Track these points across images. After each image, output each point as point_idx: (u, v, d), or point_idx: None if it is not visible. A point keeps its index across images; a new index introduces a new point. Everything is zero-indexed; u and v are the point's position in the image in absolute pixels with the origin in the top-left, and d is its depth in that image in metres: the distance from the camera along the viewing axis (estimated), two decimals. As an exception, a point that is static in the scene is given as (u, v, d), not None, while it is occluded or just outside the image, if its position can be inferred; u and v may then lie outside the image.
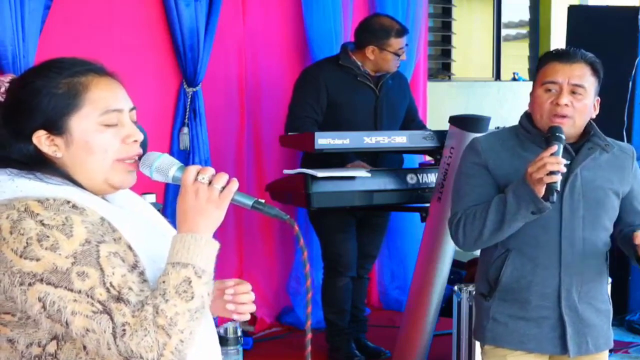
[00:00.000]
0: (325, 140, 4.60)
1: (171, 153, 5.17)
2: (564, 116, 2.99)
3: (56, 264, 1.78)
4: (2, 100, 1.99)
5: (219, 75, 5.60)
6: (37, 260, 1.78)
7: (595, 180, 3.06)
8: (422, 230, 4.90)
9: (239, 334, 4.27)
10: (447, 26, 8.03)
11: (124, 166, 1.95)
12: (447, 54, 8.10)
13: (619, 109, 5.92)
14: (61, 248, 1.79)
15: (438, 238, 4.73)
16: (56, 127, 1.91)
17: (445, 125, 4.81)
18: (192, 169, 1.91)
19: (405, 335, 4.94)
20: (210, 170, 1.91)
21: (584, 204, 3.04)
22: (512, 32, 9.01)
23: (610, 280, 3.26)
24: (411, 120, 5.44)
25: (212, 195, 1.88)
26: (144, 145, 2.02)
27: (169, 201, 5.24)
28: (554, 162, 2.82)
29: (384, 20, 5.23)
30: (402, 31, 5.17)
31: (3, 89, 2.04)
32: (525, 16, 8.92)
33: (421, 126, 5.46)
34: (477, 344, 4.16)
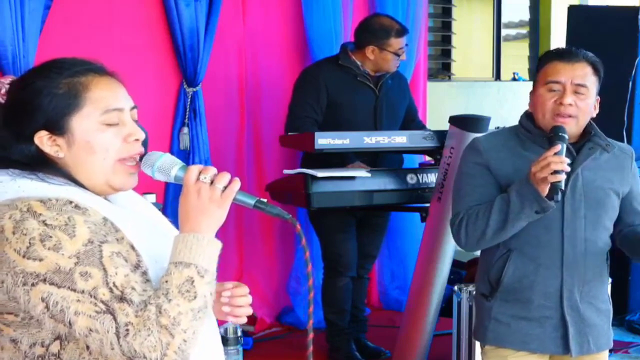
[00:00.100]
0: (325, 140, 4.60)
1: (171, 153, 5.14)
2: (568, 116, 3.00)
3: (59, 264, 1.78)
4: (3, 101, 1.99)
5: (219, 75, 5.60)
6: (40, 260, 1.78)
7: (596, 180, 3.07)
8: (422, 230, 4.90)
9: (239, 334, 4.26)
10: (447, 26, 8.03)
11: (126, 168, 1.95)
12: (447, 54, 8.10)
13: (619, 109, 5.92)
14: (64, 248, 1.79)
15: (438, 238, 4.73)
16: (57, 127, 1.91)
17: (445, 125, 4.81)
18: (194, 169, 1.91)
19: (405, 335, 4.94)
20: (212, 170, 1.91)
21: (585, 204, 3.04)
22: (512, 32, 9.01)
23: (610, 280, 3.26)
24: (411, 120, 5.45)
25: (214, 195, 1.88)
26: (144, 144, 2.02)
27: (169, 201, 5.24)
28: (558, 161, 2.83)
29: (384, 20, 5.23)
30: (402, 31, 5.17)
31: (3, 91, 2.04)
32: (525, 16, 8.92)
33: (421, 126, 5.46)
34: (477, 344, 4.16)
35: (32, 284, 1.78)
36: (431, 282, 4.78)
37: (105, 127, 1.92)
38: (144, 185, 2.12)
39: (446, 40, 8.06)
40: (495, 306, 3.11)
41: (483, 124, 4.64)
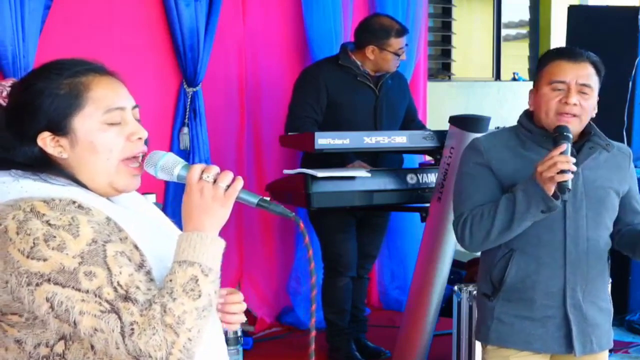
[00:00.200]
0: (325, 140, 4.60)
1: (171, 153, 5.16)
2: (572, 115, 3.00)
3: (63, 263, 1.78)
4: (4, 104, 2.00)
5: (219, 75, 5.60)
6: (44, 260, 1.78)
7: (597, 179, 3.07)
8: (422, 230, 4.90)
9: (239, 334, 4.27)
10: (447, 26, 8.03)
11: (129, 170, 1.95)
12: (447, 54, 8.10)
13: (619, 109, 5.92)
14: (68, 248, 1.79)
15: (438, 238, 4.73)
16: (60, 128, 1.91)
17: (445, 125, 4.80)
18: (197, 168, 1.91)
19: (405, 335, 4.94)
20: (215, 169, 1.91)
21: (587, 203, 3.05)
22: (512, 32, 9.02)
23: (610, 280, 3.27)
24: (411, 120, 5.45)
25: (217, 194, 1.88)
26: (144, 144, 2.02)
27: (169, 201, 5.25)
28: (565, 160, 2.84)
29: (384, 20, 5.23)
30: (402, 31, 5.17)
31: (5, 93, 2.04)
32: (525, 16, 8.93)
33: (421, 126, 5.46)
34: (477, 344, 4.16)
35: (37, 284, 1.78)
36: (431, 282, 4.78)
37: (107, 126, 1.92)
38: (144, 185, 2.12)
39: (446, 40, 8.06)
40: (498, 306, 3.11)
41: (483, 124, 4.64)
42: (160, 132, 5.29)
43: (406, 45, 5.21)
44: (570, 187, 2.84)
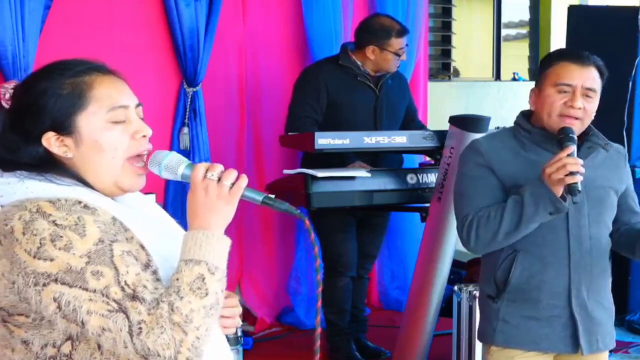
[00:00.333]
0: (325, 140, 4.60)
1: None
2: (575, 118, 3.02)
3: (70, 263, 1.78)
4: (8, 106, 2.00)
5: (219, 75, 5.60)
6: (51, 260, 1.78)
7: (596, 179, 3.08)
8: (422, 230, 4.90)
9: (239, 334, 4.26)
10: (447, 26, 8.02)
11: (134, 169, 1.95)
12: (447, 54, 8.10)
13: (619, 109, 5.92)
14: (75, 248, 1.79)
15: (438, 238, 4.73)
16: (64, 128, 1.91)
17: (445, 125, 4.81)
18: (201, 166, 1.90)
19: (405, 335, 4.94)
20: (219, 167, 1.90)
21: (588, 202, 3.06)
22: (512, 32, 9.01)
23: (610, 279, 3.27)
24: (411, 120, 5.45)
25: (221, 192, 1.88)
26: None
27: (169, 201, 5.25)
28: (574, 162, 2.85)
29: (385, 21, 5.24)
30: (403, 31, 5.18)
31: (8, 96, 2.05)
32: (525, 16, 8.92)
33: (421, 126, 5.47)
34: (478, 344, 4.16)
35: (44, 284, 1.78)
36: (431, 282, 4.78)
37: (111, 125, 1.92)
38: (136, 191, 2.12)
39: (446, 40, 8.06)
40: (503, 307, 3.10)
41: (483, 124, 4.65)
42: (160, 132, 5.29)
43: (406, 45, 5.21)
44: (580, 188, 2.86)
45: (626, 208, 3.19)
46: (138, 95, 2.02)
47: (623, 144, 5.79)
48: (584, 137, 3.10)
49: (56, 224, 1.80)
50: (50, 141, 1.91)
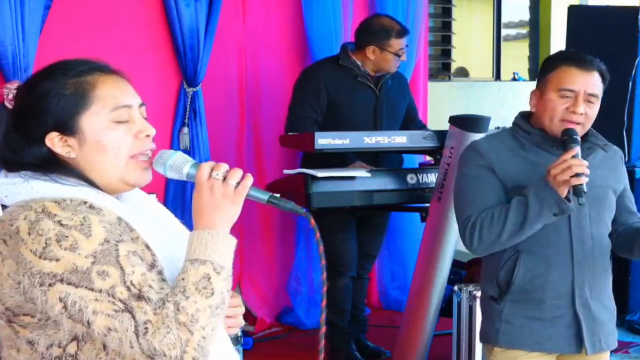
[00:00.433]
0: (325, 140, 4.60)
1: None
2: (577, 123, 3.03)
3: (76, 263, 1.77)
4: (11, 107, 2.00)
5: (219, 75, 5.60)
6: (57, 260, 1.78)
7: (595, 179, 3.08)
8: (422, 230, 4.90)
9: (239, 334, 4.26)
10: (447, 26, 8.03)
11: (139, 163, 1.94)
12: (447, 54, 8.10)
13: (619, 109, 5.92)
14: (80, 248, 1.78)
15: (438, 238, 4.73)
16: (67, 128, 1.90)
17: (445, 125, 4.80)
18: (206, 166, 1.90)
19: (405, 335, 4.94)
20: (224, 166, 1.90)
21: (588, 202, 3.06)
22: (512, 32, 9.02)
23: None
24: (411, 120, 5.45)
25: (227, 191, 1.88)
26: None
27: (169, 201, 5.25)
28: (579, 164, 2.87)
29: (385, 21, 5.24)
30: (403, 32, 5.18)
31: (11, 96, 2.04)
32: (525, 16, 8.93)
33: (421, 126, 5.46)
34: (478, 344, 4.16)
35: (50, 284, 1.78)
36: (431, 282, 4.78)
37: (115, 124, 1.92)
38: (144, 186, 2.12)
39: (446, 40, 8.06)
40: (506, 308, 3.10)
41: (483, 124, 4.64)
42: (160, 132, 5.25)
43: (406, 46, 5.21)
44: (585, 190, 2.86)
45: (623, 208, 3.20)
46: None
47: (623, 144, 5.82)
48: (583, 137, 3.10)
49: (62, 224, 1.80)
50: (54, 141, 1.91)
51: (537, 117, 3.10)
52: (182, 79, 5.39)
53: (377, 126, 5.22)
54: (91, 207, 1.86)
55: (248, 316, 5.70)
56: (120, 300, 1.76)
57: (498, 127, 4.80)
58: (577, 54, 3.20)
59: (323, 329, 2.04)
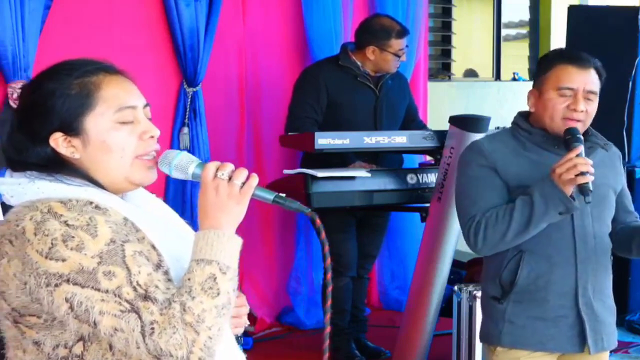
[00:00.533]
0: (325, 140, 4.60)
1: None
2: (578, 120, 3.03)
3: (82, 264, 1.77)
4: (15, 106, 1.99)
5: (219, 75, 5.60)
6: (63, 260, 1.77)
7: (596, 178, 3.08)
8: (422, 230, 4.90)
9: (239, 334, 4.27)
10: (447, 26, 8.03)
11: (144, 162, 1.94)
12: (447, 54, 8.10)
13: (619, 109, 5.92)
14: (87, 248, 1.78)
15: (438, 238, 4.73)
16: (72, 128, 1.90)
17: (445, 125, 4.81)
18: (211, 166, 1.90)
19: (405, 335, 4.94)
20: (230, 166, 1.91)
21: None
22: (512, 32, 9.02)
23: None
24: (411, 120, 5.45)
25: (232, 191, 1.88)
26: None
27: (169, 201, 5.23)
28: (584, 162, 2.88)
29: (385, 21, 5.24)
30: (403, 32, 5.18)
31: (15, 95, 2.04)
32: (525, 16, 8.92)
33: (421, 126, 5.46)
34: (478, 344, 4.16)
35: (56, 285, 1.78)
36: (431, 282, 4.78)
37: (119, 125, 1.91)
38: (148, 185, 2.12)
39: (446, 40, 8.06)
40: (509, 308, 3.10)
41: (483, 124, 4.64)
42: (161, 132, 5.28)
43: (406, 46, 5.21)
44: (591, 188, 2.87)
45: (622, 208, 3.21)
46: (138, 96, 2.02)
47: (623, 144, 5.82)
48: (584, 137, 3.11)
49: (68, 225, 1.80)
50: (58, 142, 1.90)
51: (536, 116, 3.11)
52: (182, 79, 5.39)
53: (377, 126, 5.22)
54: (97, 207, 1.86)
55: (248, 316, 5.69)
56: (127, 301, 1.76)
57: (498, 127, 4.80)
58: (573, 52, 3.21)
59: (328, 329, 2.04)
